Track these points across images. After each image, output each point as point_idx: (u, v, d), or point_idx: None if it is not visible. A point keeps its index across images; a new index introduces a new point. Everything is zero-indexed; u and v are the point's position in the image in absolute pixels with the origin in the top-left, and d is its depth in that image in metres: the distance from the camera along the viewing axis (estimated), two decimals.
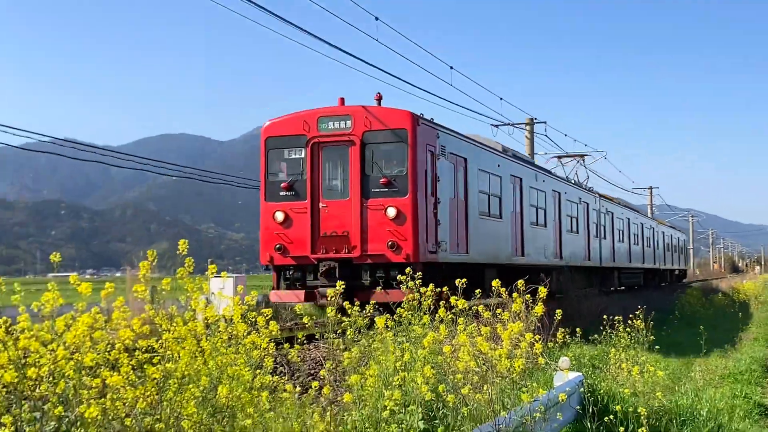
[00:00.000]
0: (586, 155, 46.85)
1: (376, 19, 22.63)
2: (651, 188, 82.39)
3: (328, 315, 7.29)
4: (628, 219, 45.91)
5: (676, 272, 69.99)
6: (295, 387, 6.99)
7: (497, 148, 25.47)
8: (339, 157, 18.84)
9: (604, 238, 38.50)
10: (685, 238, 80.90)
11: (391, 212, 17.75)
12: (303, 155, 18.91)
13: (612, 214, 41.07)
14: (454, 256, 19.69)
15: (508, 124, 40.33)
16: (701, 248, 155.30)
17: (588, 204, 35.54)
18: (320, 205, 18.64)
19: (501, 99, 38.86)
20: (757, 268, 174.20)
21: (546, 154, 44.85)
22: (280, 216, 18.71)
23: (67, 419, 5.29)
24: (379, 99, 19.03)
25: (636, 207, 57.37)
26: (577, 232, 33.39)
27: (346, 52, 21.48)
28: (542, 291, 6.62)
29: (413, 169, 18.04)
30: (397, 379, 6.18)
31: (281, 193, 19.04)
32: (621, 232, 43.32)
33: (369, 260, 17.64)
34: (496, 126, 39.92)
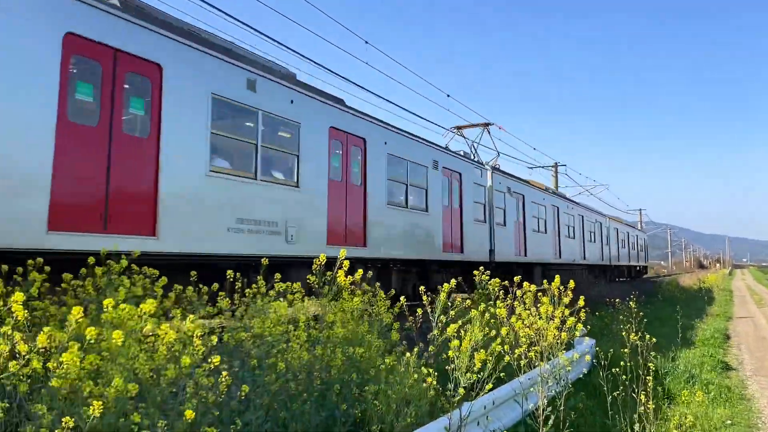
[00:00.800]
0: (491, 124, 28.04)
1: (448, 95, 23.01)
2: (640, 210, 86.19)
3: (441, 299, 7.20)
4: (557, 208, 29.84)
5: (637, 268, 53.57)
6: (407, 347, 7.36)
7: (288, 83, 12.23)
8: None
9: (504, 225, 22.81)
10: (646, 237, 63.98)
11: None
12: None
13: (522, 197, 25.03)
14: None
15: (540, 166, 40.09)
16: (677, 251, 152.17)
17: (461, 174, 19.54)
18: None
19: (534, 149, 39.15)
20: (717, 265, 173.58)
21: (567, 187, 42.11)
22: None
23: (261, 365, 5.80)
24: None
25: (592, 207, 40.06)
26: (427, 211, 17.30)
27: (439, 125, 21.47)
28: (571, 283, 6.81)
29: None
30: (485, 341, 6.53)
31: None
32: (542, 221, 27.61)
33: None
34: (531, 168, 39.64)
